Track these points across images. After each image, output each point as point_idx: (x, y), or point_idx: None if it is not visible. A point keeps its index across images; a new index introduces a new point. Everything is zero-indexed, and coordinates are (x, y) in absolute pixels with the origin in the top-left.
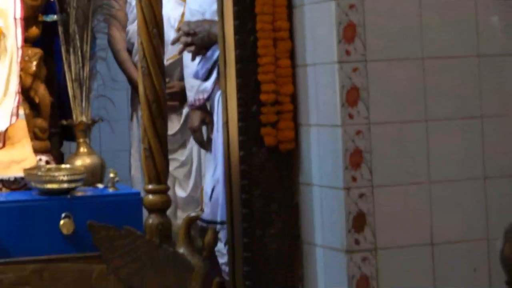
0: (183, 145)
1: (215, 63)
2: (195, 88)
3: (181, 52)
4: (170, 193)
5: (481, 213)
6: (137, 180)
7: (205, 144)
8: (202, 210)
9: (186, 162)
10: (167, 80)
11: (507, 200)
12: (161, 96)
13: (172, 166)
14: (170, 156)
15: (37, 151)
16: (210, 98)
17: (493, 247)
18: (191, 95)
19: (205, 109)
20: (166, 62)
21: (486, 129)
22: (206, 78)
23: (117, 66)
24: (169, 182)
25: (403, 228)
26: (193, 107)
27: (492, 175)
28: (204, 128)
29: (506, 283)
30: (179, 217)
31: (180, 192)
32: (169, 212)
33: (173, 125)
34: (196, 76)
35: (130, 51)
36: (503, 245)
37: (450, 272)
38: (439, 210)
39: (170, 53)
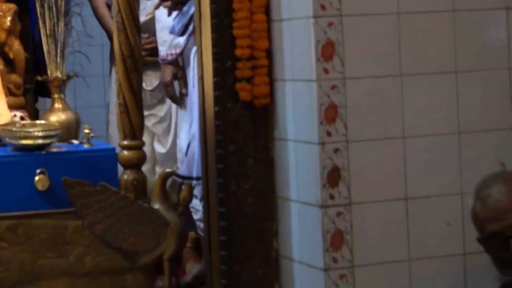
0: (162, 100)
1: (191, 18)
2: (168, 42)
3: (157, 7)
4: (149, 149)
5: (455, 168)
6: (115, 137)
7: (177, 99)
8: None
9: (165, 118)
10: (146, 35)
11: (481, 155)
12: (136, 51)
13: (150, 121)
14: (149, 112)
15: (11, 107)
16: (183, 53)
17: (467, 202)
18: (163, 50)
19: (177, 64)
20: (146, 18)
21: (460, 84)
22: (182, 33)
23: (92, 21)
24: (148, 138)
25: (378, 183)
26: (165, 62)
27: (467, 130)
28: (176, 83)
29: (477, 240)
30: (158, 173)
31: (159, 148)
32: (147, 168)
33: (152, 81)
34: (172, 31)
35: (109, 6)
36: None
37: (424, 227)
38: (414, 165)
39: (149, 8)
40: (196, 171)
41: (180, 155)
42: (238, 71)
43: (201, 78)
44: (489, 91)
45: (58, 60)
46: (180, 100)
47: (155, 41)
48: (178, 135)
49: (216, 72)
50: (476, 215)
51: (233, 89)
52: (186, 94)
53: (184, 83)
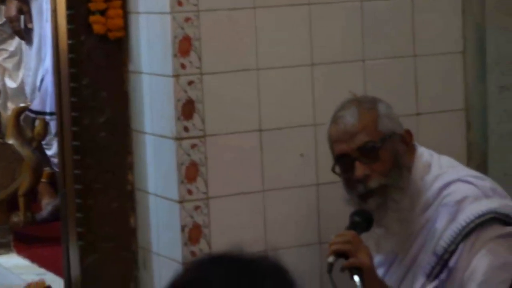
0: (11, 35)
1: None
2: None
3: None
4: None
5: (308, 99)
6: None
7: (23, 34)
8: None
9: (16, 53)
10: None
11: (333, 86)
12: None
13: (1, 56)
14: None
15: None
16: None
17: (320, 133)
18: None
19: None
20: None
21: (314, 17)
22: None
23: None
24: None
25: (232, 115)
26: None
27: (319, 62)
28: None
29: (332, 169)
30: (9, 108)
31: (10, 83)
32: None
33: (1, 16)
34: None
35: None
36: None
37: (278, 158)
38: (267, 96)
39: None
40: (49, 106)
41: (28, 89)
42: (92, 4)
43: (54, 11)
44: (341, 24)
45: None
46: (26, 35)
47: None
48: (25, 70)
49: (69, 4)
50: (328, 135)
51: (86, 22)
52: (32, 29)
53: (30, 18)
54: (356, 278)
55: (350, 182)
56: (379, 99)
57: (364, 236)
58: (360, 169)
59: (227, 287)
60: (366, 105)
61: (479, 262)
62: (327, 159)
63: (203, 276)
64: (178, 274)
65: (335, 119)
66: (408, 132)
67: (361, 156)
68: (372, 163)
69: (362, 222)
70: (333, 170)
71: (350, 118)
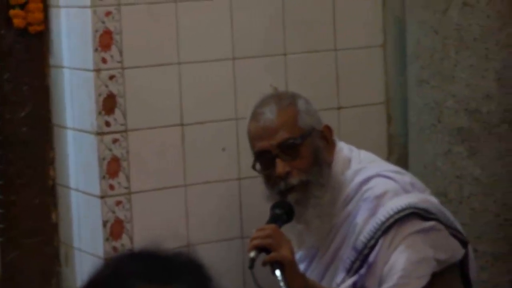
0: None
1: None
2: None
3: None
4: None
5: (230, 93)
6: None
7: None
8: None
9: None
10: None
11: (254, 81)
12: None
13: None
14: None
15: None
16: None
17: (241, 128)
18: None
19: None
20: None
21: (234, 9)
22: None
23: None
24: None
25: (154, 109)
26: None
27: (241, 56)
28: None
29: (252, 166)
30: None
31: None
32: None
33: None
34: None
35: None
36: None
37: (200, 152)
38: (189, 91)
39: None
40: None
41: None
42: None
43: None
44: (263, 18)
45: None
46: None
47: None
48: None
49: None
50: (248, 132)
51: (6, 16)
52: None
53: None
54: (278, 272)
55: (270, 179)
56: (298, 94)
57: (286, 230)
58: (281, 166)
59: (143, 284)
60: (285, 101)
61: (398, 257)
62: (249, 154)
63: (120, 272)
64: (96, 270)
65: (254, 116)
66: (328, 128)
67: (281, 153)
68: (292, 160)
69: (282, 214)
70: (253, 167)
71: (269, 115)
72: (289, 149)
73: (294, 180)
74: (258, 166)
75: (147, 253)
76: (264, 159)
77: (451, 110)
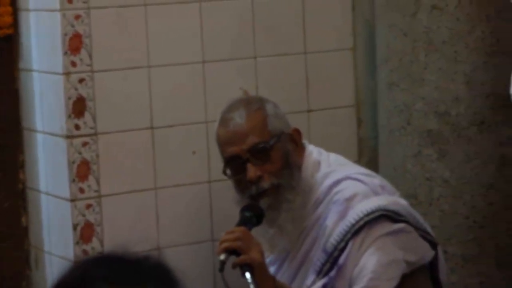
0: None
1: None
2: None
3: None
4: None
5: (200, 96)
6: None
7: None
8: None
9: None
10: None
11: (224, 83)
12: None
13: None
14: None
15: None
16: None
17: (211, 130)
18: None
19: None
20: None
21: (204, 13)
22: None
23: None
24: None
25: (123, 113)
26: None
27: (210, 59)
28: None
29: (223, 172)
30: None
31: None
32: None
33: None
34: None
35: None
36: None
37: (170, 155)
38: (159, 94)
39: None
40: None
41: None
42: None
43: None
44: (232, 21)
45: None
46: None
47: None
48: None
49: None
50: (217, 137)
51: None
52: None
53: None
54: (248, 275)
55: (241, 184)
56: (265, 98)
57: (258, 235)
58: (252, 171)
59: (110, 287)
60: (254, 105)
61: (368, 260)
62: (219, 157)
63: (87, 276)
64: (63, 273)
65: (223, 121)
66: (297, 131)
67: (252, 157)
68: (263, 164)
69: (252, 217)
70: (224, 172)
71: (239, 120)
72: (259, 153)
73: (265, 184)
74: (228, 171)
75: (115, 257)
76: (234, 164)
77: (420, 113)
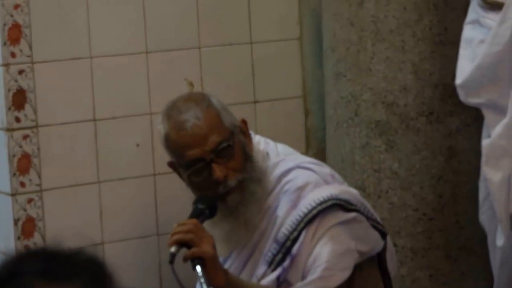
0: None
1: None
2: None
3: None
4: None
5: (143, 88)
6: None
7: None
8: None
9: None
10: None
11: (169, 75)
12: None
13: None
14: None
15: None
16: None
17: (155, 123)
18: None
19: None
20: None
21: (147, 3)
22: None
23: None
24: None
25: (65, 105)
26: None
27: (154, 50)
28: None
29: (168, 164)
30: None
31: None
32: None
33: None
34: None
35: None
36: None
37: (113, 148)
38: (101, 86)
39: None
40: None
41: None
42: None
43: None
44: (176, 11)
45: None
46: None
47: None
48: None
49: None
50: (171, 142)
51: None
52: None
53: None
54: (198, 268)
55: (206, 185)
56: (208, 94)
57: (209, 226)
58: (218, 171)
59: (41, 281)
60: (203, 103)
61: (322, 249)
62: (164, 149)
63: (17, 271)
64: None
65: (177, 125)
66: (244, 122)
67: (216, 157)
68: (227, 162)
69: (204, 209)
70: (188, 177)
71: (195, 121)
72: (223, 152)
73: (232, 182)
74: (188, 175)
75: (46, 251)
76: (197, 167)
77: (368, 103)
